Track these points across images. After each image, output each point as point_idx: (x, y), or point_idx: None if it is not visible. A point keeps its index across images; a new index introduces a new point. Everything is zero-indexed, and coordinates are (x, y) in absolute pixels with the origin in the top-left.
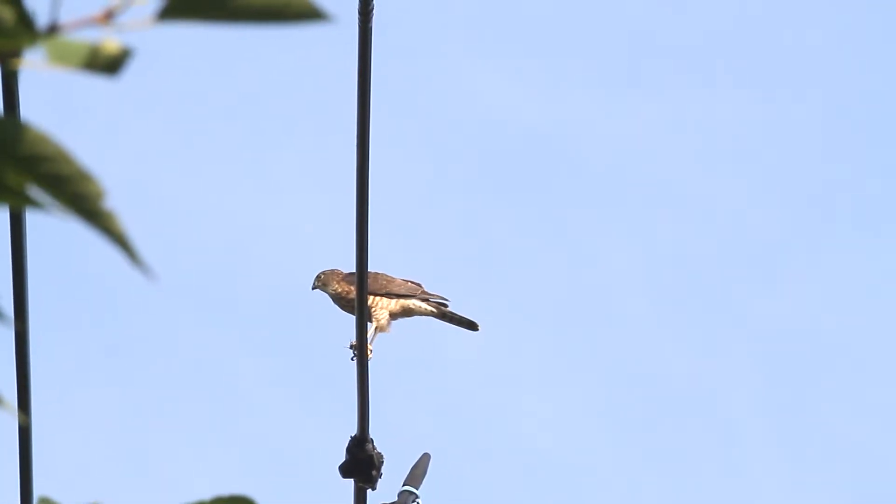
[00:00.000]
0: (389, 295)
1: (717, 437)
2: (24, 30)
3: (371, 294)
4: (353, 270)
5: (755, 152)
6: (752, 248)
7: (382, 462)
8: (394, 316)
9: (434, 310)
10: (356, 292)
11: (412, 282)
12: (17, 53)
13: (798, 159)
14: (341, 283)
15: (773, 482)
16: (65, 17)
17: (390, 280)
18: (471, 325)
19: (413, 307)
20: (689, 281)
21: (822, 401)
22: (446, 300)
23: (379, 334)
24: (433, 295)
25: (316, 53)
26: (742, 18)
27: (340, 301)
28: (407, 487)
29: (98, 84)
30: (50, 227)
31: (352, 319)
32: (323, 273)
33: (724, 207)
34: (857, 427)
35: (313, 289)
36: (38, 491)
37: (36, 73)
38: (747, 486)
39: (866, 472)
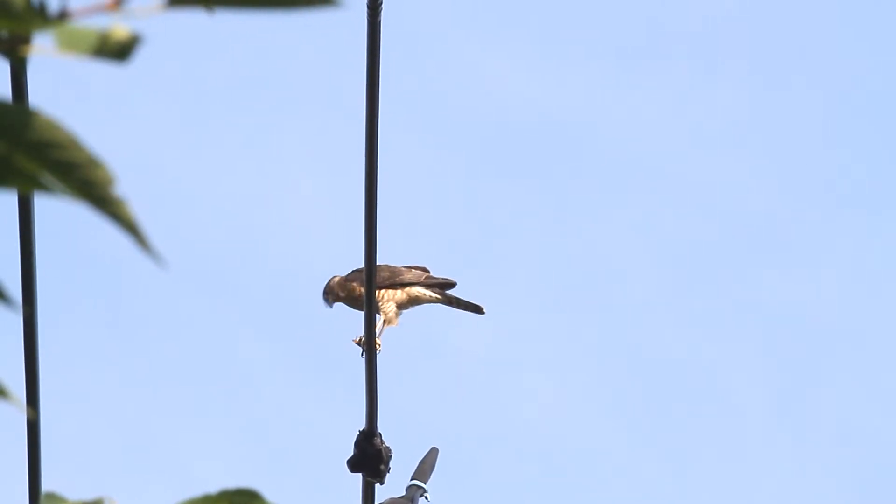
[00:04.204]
0: (395, 285)
1: (721, 419)
2: (34, 16)
3: (377, 287)
4: (349, 271)
5: (760, 134)
6: (757, 230)
7: (391, 456)
8: (402, 306)
9: (440, 297)
10: (364, 284)
11: (417, 268)
12: (26, 40)
13: (803, 141)
14: (348, 284)
15: (777, 465)
16: (74, 4)
17: (395, 270)
18: (477, 309)
19: (419, 295)
20: (694, 263)
21: (827, 384)
22: (452, 281)
23: (387, 327)
24: (439, 279)
25: (323, 37)
26: (745, 1)
27: (355, 302)
28: (415, 482)
29: (108, 70)
30: (55, 211)
31: (361, 313)
32: (327, 288)
33: (730, 190)
34: (862, 410)
35: (331, 306)
36: (45, 480)
37: (45, 59)
38: (751, 468)
39: (870, 456)
